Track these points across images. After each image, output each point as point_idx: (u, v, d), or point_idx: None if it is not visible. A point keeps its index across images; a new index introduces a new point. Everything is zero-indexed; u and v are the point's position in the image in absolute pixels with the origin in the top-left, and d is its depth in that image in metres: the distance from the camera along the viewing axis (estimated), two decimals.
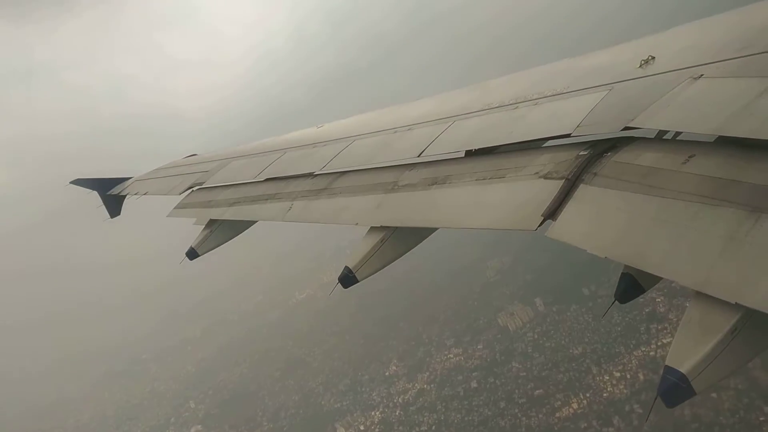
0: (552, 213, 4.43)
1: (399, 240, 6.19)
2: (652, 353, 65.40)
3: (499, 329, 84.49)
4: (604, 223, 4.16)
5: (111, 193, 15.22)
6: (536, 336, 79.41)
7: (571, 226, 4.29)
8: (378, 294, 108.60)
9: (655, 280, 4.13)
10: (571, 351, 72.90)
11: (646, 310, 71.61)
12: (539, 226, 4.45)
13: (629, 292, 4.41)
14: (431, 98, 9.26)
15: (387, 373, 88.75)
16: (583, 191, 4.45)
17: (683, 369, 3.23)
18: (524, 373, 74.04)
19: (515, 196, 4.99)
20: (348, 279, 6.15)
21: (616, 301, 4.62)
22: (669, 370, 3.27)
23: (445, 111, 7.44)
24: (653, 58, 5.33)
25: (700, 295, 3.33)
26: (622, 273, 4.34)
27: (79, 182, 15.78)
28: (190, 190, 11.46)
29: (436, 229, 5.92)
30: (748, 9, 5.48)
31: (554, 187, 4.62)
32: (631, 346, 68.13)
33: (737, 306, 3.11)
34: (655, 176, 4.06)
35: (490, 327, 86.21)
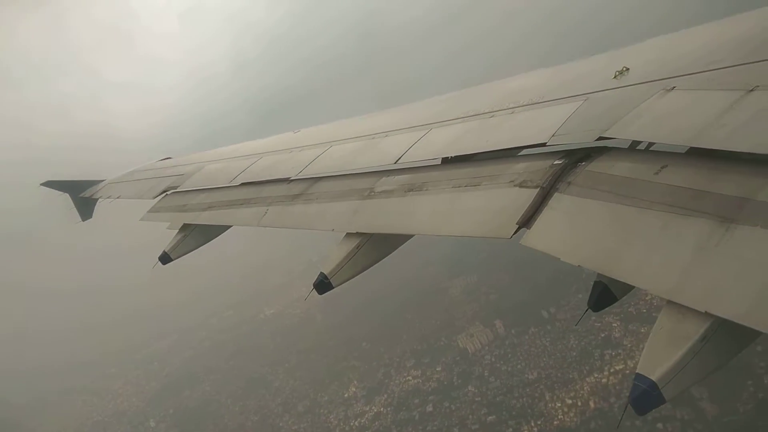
0: (527, 221, 4.46)
1: (375, 246, 6.18)
2: (604, 380, 65.78)
3: (458, 351, 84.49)
4: (577, 231, 4.20)
5: (83, 196, 15.01)
6: (494, 359, 79.53)
7: (545, 235, 4.32)
8: (345, 312, 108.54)
9: (628, 288, 4.17)
10: (526, 376, 73.08)
11: (602, 335, 72.22)
12: (514, 234, 4.47)
13: (602, 301, 4.45)
14: (408, 105, 9.29)
15: (346, 395, 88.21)
16: (557, 200, 4.49)
17: (654, 377, 3.26)
18: (479, 398, 73.97)
19: (491, 204, 5.01)
20: (323, 285, 6.12)
21: (589, 310, 4.66)
22: (640, 377, 3.31)
23: (422, 118, 7.46)
24: (627, 69, 5.41)
25: (671, 304, 3.37)
26: (595, 282, 4.39)
27: (50, 184, 15.52)
28: (165, 193, 11.35)
29: (412, 236, 5.92)
30: (720, 23, 5.59)
31: (529, 195, 4.65)
32: (585, 372, 68.44)
33: (707, 315, 3.16)
34: (628, 186, 4.11)
35: (450, 348, 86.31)
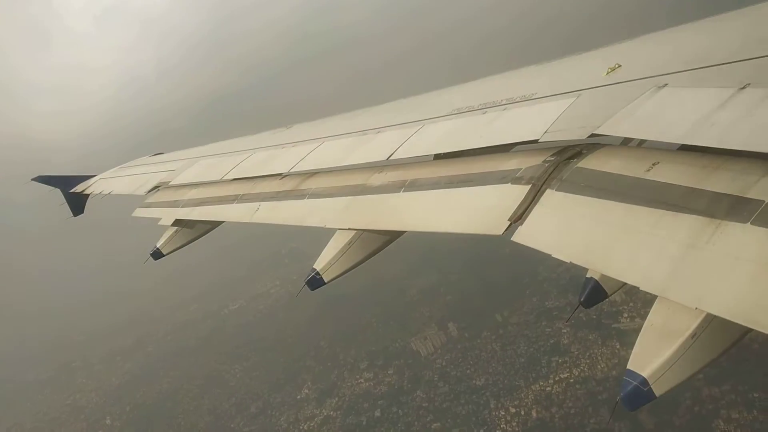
0: (518, 218, 4.47)
1: (367, 242, 6.19)
2: (548, 388, 66.15)
3: (411, 354, 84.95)
4: (569, 228, 4.21)
5: (74, 191, 14.93)
6: (445, 363, 79.95)
7: (536, 231, 4.33)
8: (307, 309, 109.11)
9: (619, 284, 4.18)
10: (474, 382, 73.49)
11: (551, 342, 72.85)
12: (506, 230, 4.48)
13: (593, 297, 4.46)
14: (401, 101, 9.27)
15: (299, 397, 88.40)
16: (549, 196, 4.49)
17: (644, 373, 3.28)
18: (426, 404, 74.32)
19: (482, 201, 5.02)
20: (315, 281, 6.13)
21: (581, 306, 4.66)
22: (630, 373, 3.32)
23: (415, 114, 7.45)
24: (619, 66, 5.41)
25: (661, 300, 3.38)
26: (586, 278, 4.39)
27: (41, 179, 15.44)
28: (156, 189, 11.30)
29: (404, 232, 5.93)
30: (712, 21, 5.60)
31: (521, 192, 4.66)
32: (531, 379, 68.82)
33: (697, 311, 3.17)
34: (619, 183, 4.12)
35: (403, 351, 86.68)
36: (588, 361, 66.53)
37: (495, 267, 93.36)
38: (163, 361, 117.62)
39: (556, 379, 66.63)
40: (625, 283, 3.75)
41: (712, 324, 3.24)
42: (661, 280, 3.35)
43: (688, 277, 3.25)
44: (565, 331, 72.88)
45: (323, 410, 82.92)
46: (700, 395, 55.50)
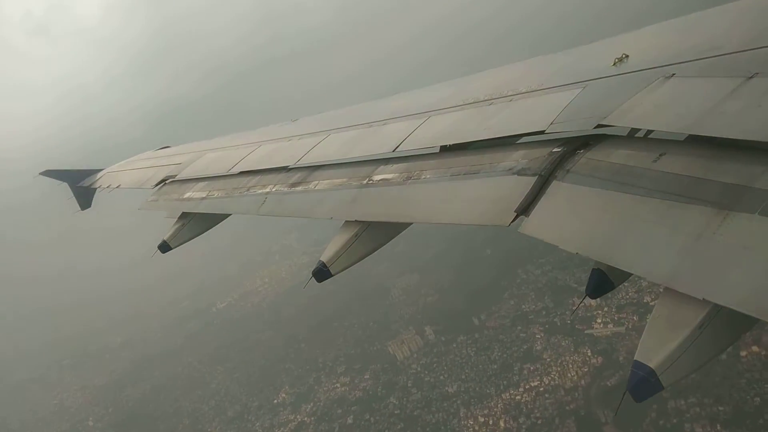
0: (525, 209, 4.46)
1: (373, 234, 6.19)
2: (518, 397, 66.07)
3: (388, 358, 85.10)
4: (575, 219, 4.20)
5: (82, 185, 14.98)
6: (419, 368, 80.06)
7: (543, 223, 4.32)
8: (291, 309, 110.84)
9: (625, 276, 4.18)
10: (446, 388, 73.50)
11: (524, 347, 72.68)
12: (512, 222, 4.47)
13: (600, 288, 4.45)
14: (406, 93, 9.25)
15: (276, 401, 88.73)
16: (555, 188, 4.48)
17: (652, 364, 3.27)
18: (398, 411, 74.45)
19: (489, 192, 5.01)
20: (322, 273, 6.14)
21: (587, 296, 4.66)
22: (638, 365, 3.31)
23: (420, 106, 7.44)
24: (627, 56, 5.38)
25: (668, 291, 3.38)
26: (593, 269, 4.39)
27: (49, 173, 15.50)
28: (163, 182, 11.33)
29: (410, 224, 5.93)
30: (720, 10, 5.56)
31: (527, 183, 4.65)
32: (502, 387, 68.80)
33: (705, 302, 3.16)
34: (626, 174, 4.10)
35: (381, 355, 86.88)
36: (559, 368, 66.43)
37: (476, 268, 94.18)
38: (149, 361, 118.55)
39: (527, 387, 66.63)
40: (632, 274, 3.74)
41: (719, 315, 3.22)
42: (668, 271, 3.34)
43: (695, 268, 3.24)
44: (539, 336, 73.01)
45: (298, 416, 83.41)
46: (666, 408, 55.31)
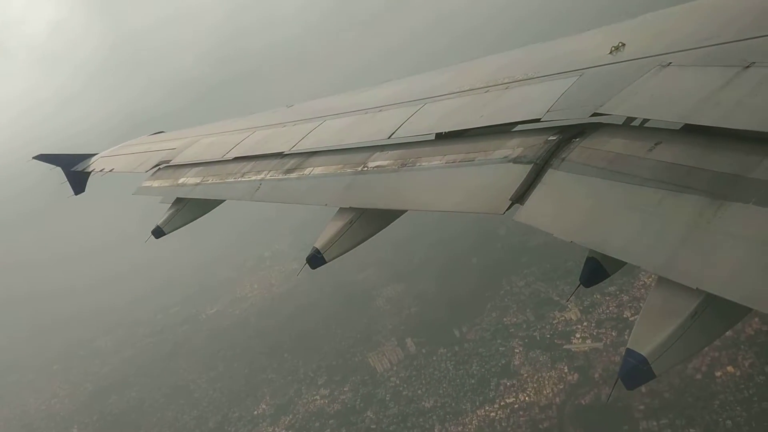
0: (520, 197, 4.46)
1: (368, 221, 6.19)
2: (492, 414, 65.49)
3: (368, 370, 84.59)
4: (570, 207, 4.20)
5: (75, 170, 14.91)
6: (398, 382, 79.40)
7: (538, 211, 4.32)
8: (277, 316, 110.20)
9: (620, 264, 4.18)
10: (423, 403, 72.85)
11: (502, 362, 72.08)
12: (507, 209, 4.47)
13: (594, 277, 4.46)
14: (402, 80, 9.22)
15: (256, 412, 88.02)
16: (551, 176, 4.48)
17: (644, 352, 3.29)
18: (374, 426, 73.85)
19: (484, 180, 5.01)
20: (316, 260, 6.14)
21: (581, 285, 4.67)
22: (630, 353, 3.33)
23: (416, 93, 7.42)
24: (623, 44, 5.37)
25: (662, 280, 3.39)
26: (588, 258, 4.40)
27: (42, 158, 15.41)
28: (157, 167, 11.29)
29: (404, 211, 5.92)
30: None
31: (523, 171, 4.64)
32: (478, 403, 68.06)
33: (698, 291, 3.17)
34: (621, 162, 4.10)
35: (361, 366, 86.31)
36: (535, 385, 65.90)
37: (461, 277, 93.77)
38: (137, 367, 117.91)
39: (502, 404, 65.96)
40: (626, 263, 3.75)
41: (712, 304, 3.24)
42: (662, 260, 3.35)
43: (689, 257, 3.25)
44: (518, 351, 72.36)
45: (276, 428, 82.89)
46: (638, 429, 54.77)
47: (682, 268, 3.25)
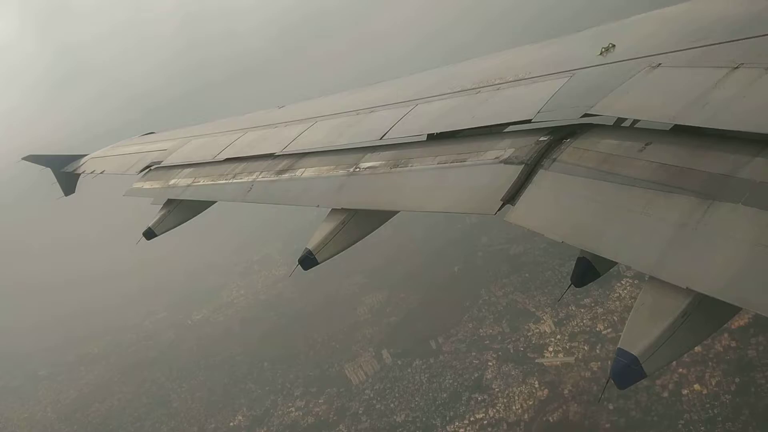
0: (511, 197, 4.47)
1: (360, 222, 6.19)
2: (462, 430, 65.58)
3: (344, 382, 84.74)
4: (561, 208, 4.22)
5: (65, 171, 14.83)
6: (372, 394, 79.55)
7: (529, 211, 4.33)
8: (261, 324, 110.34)
9: (610, 264, 4.20)
10: (394, 418, 73.01)
11: (475, 376, 72.30)
12: (498, 210, 4.48)
13: (585, 276, 4.48)
14: (393, 81, 9.22)
15: (231, 424, 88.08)
16: (542, 176, 4.50)
17: (635, 351, 3.30)
18: None
19: (476, 181, 5.02)
20: (308, 261, 6.13)
21: (572, 285, 4.70)
22: (621, 352, 3.35)
23: (408, 94, 7.42)
24: (614, 46, 5.39)
25: (653, 280, 3.41)
26: (578, 257, 4.42)
27: (31, 158, 15.31)
28: (148, 169, 11.24)
29: (396, 212, 5.93)
30: (706, 1, 5.58)
31: (514, 171, 4.66)
32: (448, 418, 68.23)
33: (688, 291, 3.19)
34: (612, 163, 4.12)
35: (338, 378, 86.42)
36: (505, 400, 65.95)
37: (442, 286, 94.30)
38: (120, 374, 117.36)
39: (471, 419, 65.97)
40: (617, 263, 3.77)
41: (702, 303, 3.26)
42: (652, 260, 3.37)
43: (679, 257, 3.27)
44: (491, 364, 72.56)
45: None
46: None
47: (672, 268, 3.27)
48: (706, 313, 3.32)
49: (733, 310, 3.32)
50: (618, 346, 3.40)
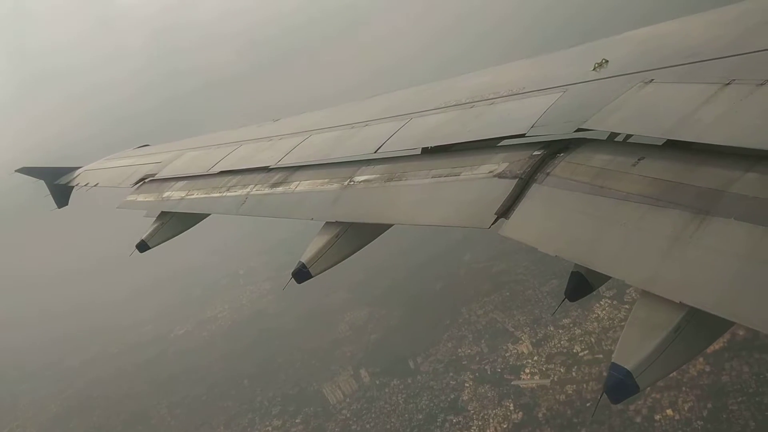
0: (505, 212, 4.48)
1: (354, 235, 6.18)
2: None
3: (321, 401, 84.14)
4: (555, 222, 4.23)
5: (59, 183, 14.80)
6: (349, 415, 78.87)
7: (523, 225, 4.34)
8: (243, 339, 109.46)
9: (604, 279, 4.21)
10: None
11: (451, 397, 71.81)
12: (492, 224, 4.49)
13: (579, 291, 4.49)
14: (388, 95, 9.26)
15: None
16: (535, 191, 4.51)
17: (629, 366, 3.30)
18: None
19: (470, 194, 5.03)
20: (302, 274, 6.11)
21: (566, 300, 4.70)
22: (615, 367, 3.34)
23: (402, 108, 7.45)
24: (607, 61, 5.44)
25: (646, 294, 3.41)
26: (572, 272, 4.43)
27: (25, 171, 15.29)
28: (142, 181, 11.23)
29: (391, 225, 5.93)
30: (699, 17, 5.64)
31: (508, 186, 4.67)
32: None
33: (681, 305, 3.20)
34: (605, 177, 4.14)
35: (316, 397, 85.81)
36: (480, 422, 65.32)
37: (425, 304, 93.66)
38: (102, 388, 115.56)
39: None
40: (611, 277, 3.78)
41: (695, 318, 3.26)
42: (645, 274, 3.38)
43: (672, 272, 3.28)
44: (467, 385, 71.91)
45: None
46: None
47: (665, 283, 3.27)
48: (699, 327, 3.32)
49: (726, 325, 3.33)
50: (612, 361, 3.40)
